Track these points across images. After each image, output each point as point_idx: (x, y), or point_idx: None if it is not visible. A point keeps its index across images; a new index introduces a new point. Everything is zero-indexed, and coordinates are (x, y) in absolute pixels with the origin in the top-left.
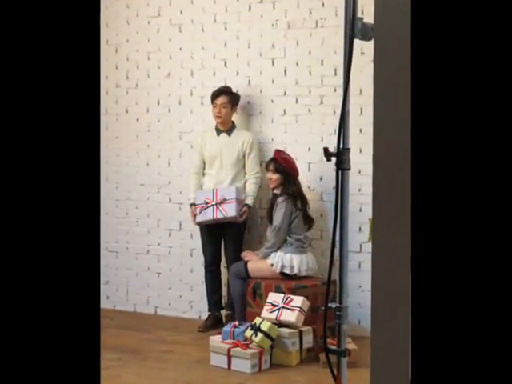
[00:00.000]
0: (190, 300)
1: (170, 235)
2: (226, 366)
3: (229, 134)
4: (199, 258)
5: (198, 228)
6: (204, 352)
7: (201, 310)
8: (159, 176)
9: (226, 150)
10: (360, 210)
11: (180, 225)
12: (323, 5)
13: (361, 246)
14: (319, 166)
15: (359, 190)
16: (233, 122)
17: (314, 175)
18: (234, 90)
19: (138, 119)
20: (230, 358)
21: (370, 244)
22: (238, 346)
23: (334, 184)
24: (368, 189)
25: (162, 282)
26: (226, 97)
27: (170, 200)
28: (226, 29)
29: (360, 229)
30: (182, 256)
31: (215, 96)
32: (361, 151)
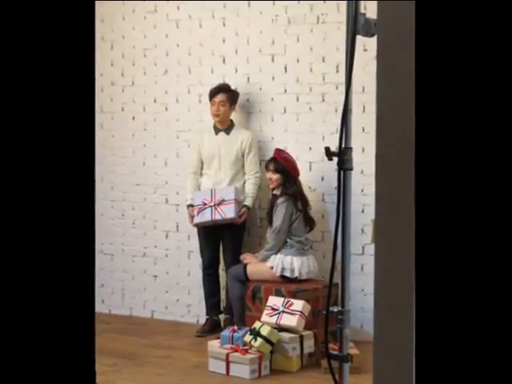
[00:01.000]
0: (188, 304)
1: (166, 237)
2: (224, 372)
3: (227, 133)
4: (197, 261)
5: (195, 229)
6: (202, 357)
7: (199, 314)
8: (156, 176)
9: (224, 149)
10: (362, 211)
11: (177, 226)
12: (324, 0)
13: (363, 248)
14: (320, 166)
15: (362, 191)
16: (231, 121)
17: (316, 175)
18: (233, 88)
19: (134, 117)
20: (228, 363)
21: (372, 246)
22: (236, 351)
23: (335, 184)
24: (371, 189)
25: (159, 285)
26: (225, 94)
27: (166, 201)
28: (224, 25)
29: (362, 230)
30: (179, 258)
31: (213, 94)
32: (363, 150)
